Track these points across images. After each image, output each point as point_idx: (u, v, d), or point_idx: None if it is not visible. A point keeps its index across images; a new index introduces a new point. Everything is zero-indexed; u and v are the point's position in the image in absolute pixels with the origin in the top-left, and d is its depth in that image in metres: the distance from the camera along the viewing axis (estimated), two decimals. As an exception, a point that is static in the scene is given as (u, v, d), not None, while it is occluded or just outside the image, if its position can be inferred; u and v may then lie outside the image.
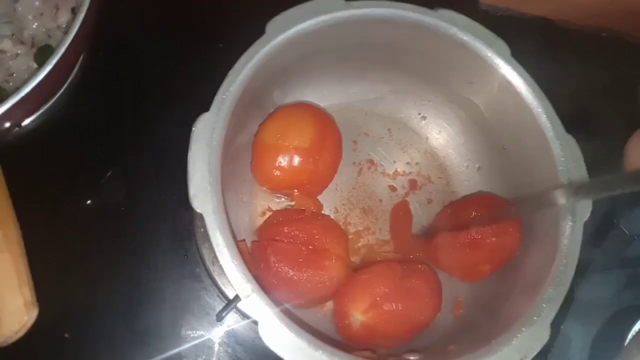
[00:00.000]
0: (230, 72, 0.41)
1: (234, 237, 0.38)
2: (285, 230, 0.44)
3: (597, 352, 0.53)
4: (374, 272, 0.44)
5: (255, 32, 0.43)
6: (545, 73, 0.44)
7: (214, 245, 0.36)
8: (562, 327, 0.53)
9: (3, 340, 0.41)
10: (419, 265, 0.46)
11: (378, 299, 0.42)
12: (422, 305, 0.43)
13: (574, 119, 0.45)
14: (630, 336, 0.51)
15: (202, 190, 0.37)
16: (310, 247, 0.43)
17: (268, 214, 0.49)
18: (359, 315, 0.42)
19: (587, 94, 0.44)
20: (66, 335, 0.49)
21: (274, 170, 0.45)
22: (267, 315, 0.35)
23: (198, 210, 0.37)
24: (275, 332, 0.35)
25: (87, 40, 0.51)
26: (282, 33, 0.42)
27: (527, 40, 0.45)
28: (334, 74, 0.51)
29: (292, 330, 0.35)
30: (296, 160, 0.45)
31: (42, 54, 0.50)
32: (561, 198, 0.37)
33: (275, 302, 0.36)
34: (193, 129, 0.39)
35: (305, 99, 0.52)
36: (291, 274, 0.42)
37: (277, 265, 0.41)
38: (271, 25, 0.43)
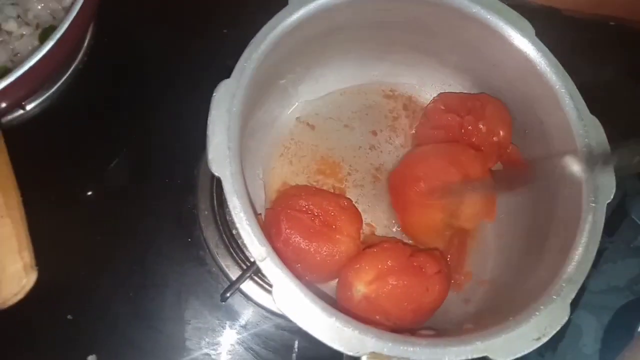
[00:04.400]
0: (252, 40, 0.39)
1: (251, 202, 0.35)
2: (301, 203, 0.42)
3: (608, 342, 0.51)
4: (383, 247, 0.42)
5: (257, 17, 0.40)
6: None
7: (231, 209, 0.34)
8: (573, 317, 0.50)
9: (2, 302, 0.40)
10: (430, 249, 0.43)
11: (384, 271, 0.40)
12: (427, 285, 0.40)
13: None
14: (641, 326, 0.48)
15: (220, 154, 0.35)
16: (323, 221, 0.41)
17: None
18: (361, 287, 0.40)
19: (595, 83, 0.42)
20: (69, 317, 0.47)
21: None
22: (281, 279, 0.32)
23: (216, 174, 0.35)
24: (290, 297, 0.32)
25: (90, 20, 0.49)
26: (305, 5, 0.40)
27: (534, 29, 0.42)
28: (355, 54, 0.49)
29: (307, 296, 0.32)
30: None
31: (46, 35, 0.48)
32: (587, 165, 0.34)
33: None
34: (214, 94, 0.37)
35: (325, 79, 0.50)
36: (300, 242, 0.40)
37: (287, 232, 0.39)
38: (294, -3, 0.40)
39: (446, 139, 0.46)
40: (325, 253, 0.40)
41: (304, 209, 0.41)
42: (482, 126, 0.45)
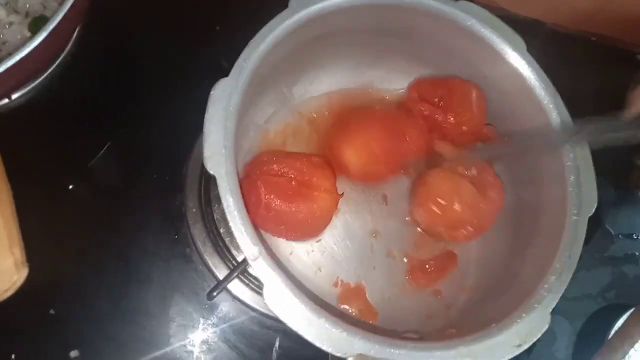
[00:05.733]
0: (252, 40, 0.39)
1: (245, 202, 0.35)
2: (275, 167, 0.42)
3: (581, 348, 0.52)
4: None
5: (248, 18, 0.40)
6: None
7: (225, 207, 0.34)
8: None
9: None
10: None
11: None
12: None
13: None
14: (613, 332, 0.49)
15: (216, 153, 0.35)
16: (299, 181, 0.42)
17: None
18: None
19: (575, 98, 0.43)
20: (52, 312, 0.46)
21: None
22: (272, 278, 0.32)
23: (211, 172, 0.34)
24: (280, 296, 0.32)
25: (82, 12, 0.48)
26: (306, 8, 0.40)
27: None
28: (350, 59, 0.49)
29: (297, 296, 0.32)
30: None
31: (37, 24, 0.48)
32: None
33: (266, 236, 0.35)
34: (212, 92, 0.37)
35: (319, 82, 0.50)
36: (281, 205, 0.40)
37: (267, 197, 0.39)
38: (294, 1, 0.40)
39: (425, 128, 0.48)
40: (305, 210, 0.41)
41: (280, 173, 0.42)
42: (450, 118, 0.46)
